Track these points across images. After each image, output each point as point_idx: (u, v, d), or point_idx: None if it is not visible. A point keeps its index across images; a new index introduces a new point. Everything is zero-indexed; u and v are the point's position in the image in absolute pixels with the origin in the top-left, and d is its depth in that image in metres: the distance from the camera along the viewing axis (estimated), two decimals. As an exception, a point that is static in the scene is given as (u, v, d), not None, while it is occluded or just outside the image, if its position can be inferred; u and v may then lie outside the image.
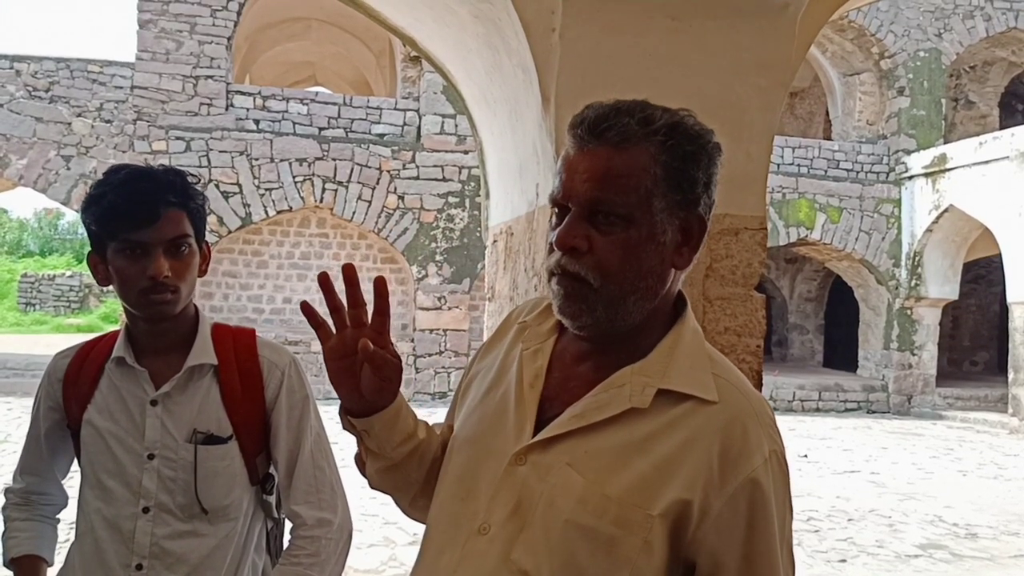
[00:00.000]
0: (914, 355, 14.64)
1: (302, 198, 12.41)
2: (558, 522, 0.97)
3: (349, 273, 1.02)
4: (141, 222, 1.46)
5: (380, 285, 1.06)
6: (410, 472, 1.16)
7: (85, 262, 1.63)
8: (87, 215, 1.52)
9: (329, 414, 1.36)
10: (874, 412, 14.47)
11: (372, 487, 1.20)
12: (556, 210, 1.05)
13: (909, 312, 14.66)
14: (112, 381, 1.58)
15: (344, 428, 1.11)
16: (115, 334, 1.63)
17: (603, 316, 1.02)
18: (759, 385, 1.93)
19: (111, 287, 1.56)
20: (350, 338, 1.02)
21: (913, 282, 14.49)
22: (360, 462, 1.17)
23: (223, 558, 1.56)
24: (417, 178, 12.83)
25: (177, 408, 1.56)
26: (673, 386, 0.99)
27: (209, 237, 1.94)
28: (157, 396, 1.55)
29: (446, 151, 12.93)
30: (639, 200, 0.99)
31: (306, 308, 1.04)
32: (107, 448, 1.55)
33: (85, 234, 1.60)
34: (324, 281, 1.02)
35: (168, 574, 1.52)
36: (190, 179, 1.57)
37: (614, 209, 0.99)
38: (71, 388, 1.62)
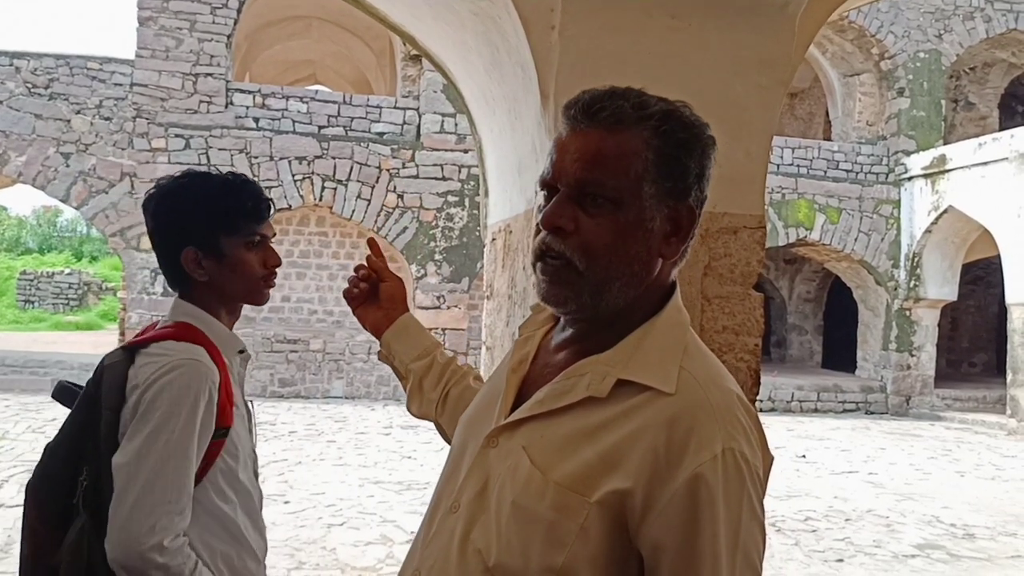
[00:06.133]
0: (913, 356, 14.64)
1: (301, 196, 12.41)
2: (506, 503, 0.98)
3: (372, 245, 1.58)
4: (263, 217, 1.65)
5: (372, 244, 1.58)
6: (430, 390, 1.47)
7: (160, 255, 1.62)
8: (194, 211, 1.57)
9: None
10: (872, 413, 14.47)
11: (413, 413, 1.52)
12: (545, 192, 1.05)
13: (908, 313, 14.67)
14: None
15: (379, 359, 1.52)
16: (201, 335, 1.57)
17: (588, 301, 1.01)
18: (756, 384, 1.93)
19: (205, 277, 1.59)
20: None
21: (912, 283, 14.50)
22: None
23: None
24: (416, 177, 12.82)
25: None
26: (632, 376, 0.97)
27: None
28: None
29: (446, 150, 12.92)
30: (629, 183, 0.99)
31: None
32: None
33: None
34: (372, 245, 1.58)
35: None
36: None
37: (603, 191, 0.99)
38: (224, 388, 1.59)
